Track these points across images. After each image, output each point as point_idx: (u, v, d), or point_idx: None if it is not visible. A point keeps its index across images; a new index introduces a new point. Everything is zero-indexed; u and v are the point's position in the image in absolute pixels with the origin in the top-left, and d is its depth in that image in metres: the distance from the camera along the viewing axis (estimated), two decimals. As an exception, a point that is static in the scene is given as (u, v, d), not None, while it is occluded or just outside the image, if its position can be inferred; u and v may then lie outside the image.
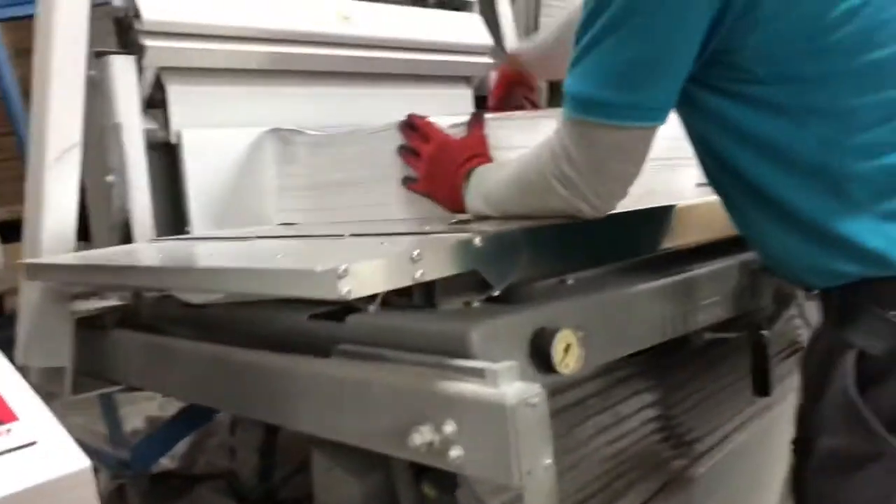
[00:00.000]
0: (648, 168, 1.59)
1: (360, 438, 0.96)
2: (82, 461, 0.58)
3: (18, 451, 0.58)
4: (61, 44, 1.31)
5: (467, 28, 1.96)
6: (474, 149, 1.20)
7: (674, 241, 1.15)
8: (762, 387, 1.30)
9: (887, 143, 0.91)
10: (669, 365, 1.36)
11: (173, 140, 1.49)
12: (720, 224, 1.25)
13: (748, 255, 1.31)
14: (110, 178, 1.43)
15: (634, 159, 1.00)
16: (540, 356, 0.93)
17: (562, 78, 0.99)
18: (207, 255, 1.00)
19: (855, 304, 0.96)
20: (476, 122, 1.23)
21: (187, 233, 1.50)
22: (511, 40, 2.06)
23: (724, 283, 1.26)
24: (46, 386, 1.31)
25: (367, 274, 0.76)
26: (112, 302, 1.42)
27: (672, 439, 1.35)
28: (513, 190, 1.08)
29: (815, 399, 1.04)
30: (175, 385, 1.27)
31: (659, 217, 1.13)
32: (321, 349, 1.05)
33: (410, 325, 0.97)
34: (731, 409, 1.48)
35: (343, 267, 0.73)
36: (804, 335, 1.67)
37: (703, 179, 1.72)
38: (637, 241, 1.10)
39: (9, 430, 0.61)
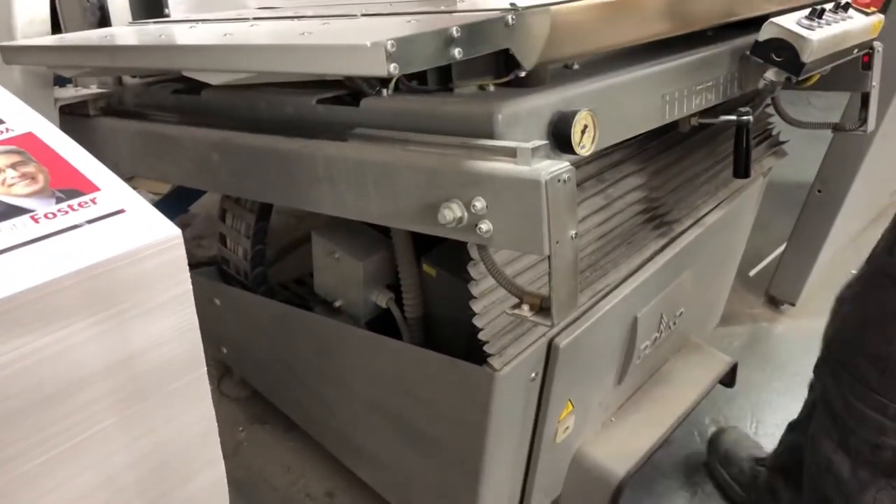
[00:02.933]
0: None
1: (384, 217, 1.00)
2: (172, 229, 0.60)
3: (109, 219, 0.59)
4: None
5: None
6: None
7: (681, 25, 1.16)
8: (744, 169, 1.37)
9: None
10: (656, 150, 1.41)
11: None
12: (716, 10, 1.26)
13: (740, 42, 1.33)
14: (78, -46, 1.34)
15: None
16: (559, 137, 0.96)
17: None
18: (221, 35, 0.96)
19: None
20: None
21: (166, 16, 1.43)
22: None
23: (717, 69, 1.29)
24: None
25: (411, 51, 0.76)
26: (95, 89, 1.38)
27: (655, 220, 1.43)
28: None
29: None
30: (178, 171, 1.27)
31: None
32: (332, 134, 1.06)
33: (432, 107, 0.98)
34: (707, 191, 1.56)
35: (390, 43, 0.73)
36: (774, 124, 1.74)
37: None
38: (649, 23, 1.10)
39: (94, 200, 0.62)
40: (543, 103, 0.97)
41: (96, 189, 0.63)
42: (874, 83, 1.57)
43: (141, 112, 1.37)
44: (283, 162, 1.09)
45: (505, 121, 0.91)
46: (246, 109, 1.20)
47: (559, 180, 0.83)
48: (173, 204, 2.08)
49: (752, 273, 2.61)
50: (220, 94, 1.26)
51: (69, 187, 0.64)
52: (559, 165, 0.84)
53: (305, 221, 1.76)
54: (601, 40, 1.02)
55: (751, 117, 1.33)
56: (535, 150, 0.85)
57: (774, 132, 1.77)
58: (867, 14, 1.46)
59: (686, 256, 1.51)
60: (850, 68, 1.54)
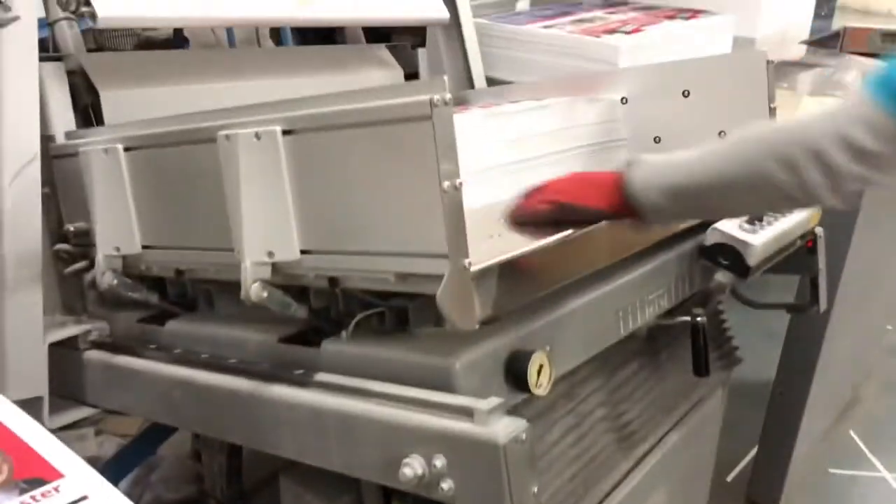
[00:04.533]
0: (584, 152, 1.66)
1: (346, 467, 1.00)
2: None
3: (72, 508, 0.61)
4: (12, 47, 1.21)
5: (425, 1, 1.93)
6: None
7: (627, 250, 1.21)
8: (704, 367, 1.39)
9: None
10: (621, 357, 1.41)
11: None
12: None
13: (685, 246, 1.38)
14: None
15: None
16: (516, 378, 0.98)
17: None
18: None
19: None
20: None
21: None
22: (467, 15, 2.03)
23: (668, 275, 1.34)
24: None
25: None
26: (86, 325, 1.37)
27: (622, 440, 1.41)
28: (740, 174, 0.99)
29: None
30: (142, 406, 1.27)
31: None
32: (293, 378, 1.07)
33: (390, 356, 1.00)
34: (670, 405, 1.54)
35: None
36: (729, 323, 1.76)
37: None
38: (597, 256, 1.15)
39: (57, 488, 0.63)
40: (500, 344, 0.99)
41: (60, 476, 0.65)
42: (821, 266, 1.63)
43: (125, 346, 1.35)
44: (245, 404, 1.10)
45: (462, 371, 0.93)
46: (209, 345, 1.22)
47: (517, 441, 0.84)
48: (141, 448, 2.05)
49: (729, 478, 2.57)
50: (183, 326, 1.28)
51: (33, 476, 0.66)
52: (516, 425, 0.86)
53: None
54: (551, 282, 1.05)
55: (705, 318, 1.37)
56: (491, 410, 0.86)
57: (728, 333, 1.78)
58: (805, 207, 1.54)
59: (656, 475, 1.48)
60: (796, 253, 1.60)
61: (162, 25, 1.50)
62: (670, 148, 1.64)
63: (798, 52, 2.74)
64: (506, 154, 1.44)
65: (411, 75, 2.04)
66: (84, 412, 1.36)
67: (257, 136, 1.00)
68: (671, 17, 2.30)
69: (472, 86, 2.05)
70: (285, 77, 1.78)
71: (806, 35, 2.88)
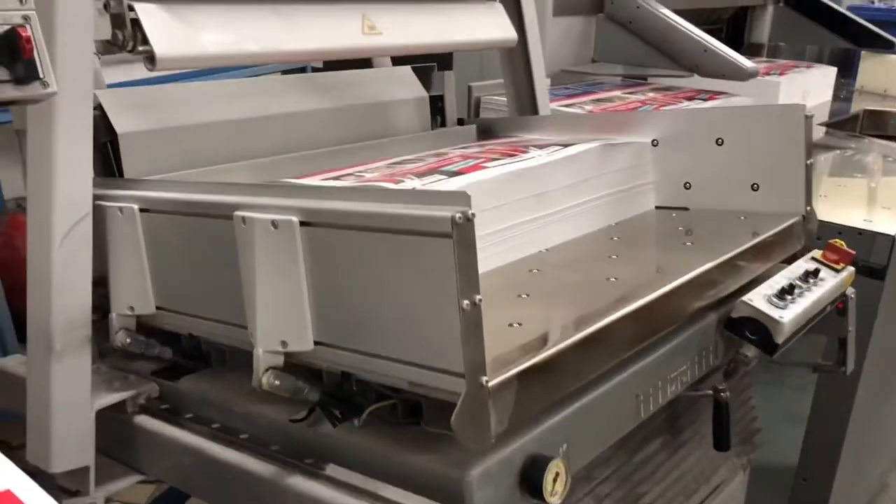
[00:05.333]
0: (609, 200, 1.62)
1: (355, 568, 0.98)
2: None
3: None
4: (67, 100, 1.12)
5: (492, 22, 1.86)
6: None
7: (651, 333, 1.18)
8: (725, 442, 1.36)
9: None
10: (642, 437, 1.38)
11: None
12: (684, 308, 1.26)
13: (710, 318, 1.33)
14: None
15: None
16: (531, 485, 0.96)
17: None
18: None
19: None
20: None
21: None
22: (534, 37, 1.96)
23: (691, 350, 1.30)
24: (68, 484, 1.21)
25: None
26: (135, 388, 1.33)
27: None
28: None
29: None
30: (156, 468, 1.26)
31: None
32: (303, 466, 1.06)
33: (402, 457, 0.98)
34: (691, 489, 1.49)
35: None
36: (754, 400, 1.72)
37: (662, 202, 1.76)
38: (617, 348, 1.11)
39: None
40: (515, 449, 0.96)
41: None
42: (850, 328, 1.58)
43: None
44: (255, 484, 1.08)
45: (476, 483, 0.91)
46: (222, 412, 1.20)
47: (529, 571, 0.82)
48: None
49: None
50: (197, 385, 1.26)
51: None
52: (529, 553, 0.84)
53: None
54: (572, 382, 1.02)
55: (728, 392, 1.34)
56: (503, 537, 0.84)
57: (752, 413, 1.73)
58: (837, 271, 1.49)
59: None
60: (825, 315, 1.55)
61: (224, 64, 1.44)
62: (700, 194, 1.66)
63: (818, 134, 2.72)
64: (529, 210, 1.41)
65: (436, 98, 2.00)
66: (132, 480, 1.31)
67: (274, 224, 0.97)
68: (690, 98, 2.31)
69: (535, 110, 1.99)
70: (311, 103, 1.75)
71: (825, 117, 2.88)
